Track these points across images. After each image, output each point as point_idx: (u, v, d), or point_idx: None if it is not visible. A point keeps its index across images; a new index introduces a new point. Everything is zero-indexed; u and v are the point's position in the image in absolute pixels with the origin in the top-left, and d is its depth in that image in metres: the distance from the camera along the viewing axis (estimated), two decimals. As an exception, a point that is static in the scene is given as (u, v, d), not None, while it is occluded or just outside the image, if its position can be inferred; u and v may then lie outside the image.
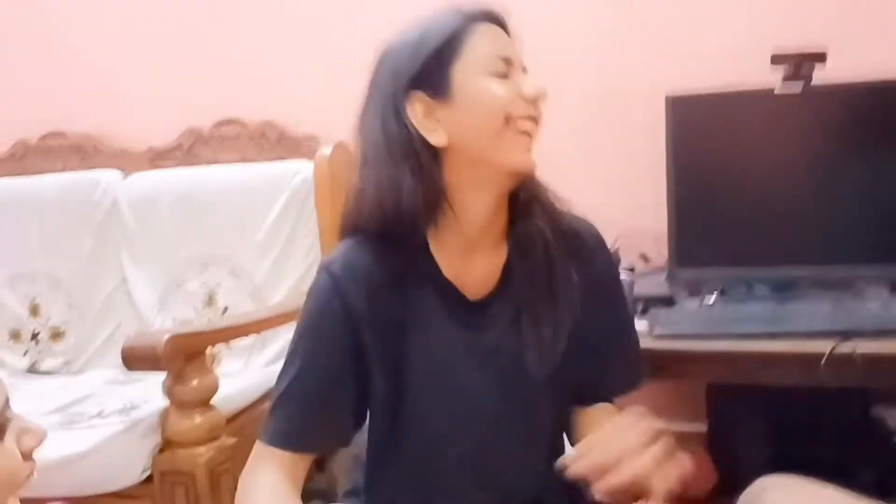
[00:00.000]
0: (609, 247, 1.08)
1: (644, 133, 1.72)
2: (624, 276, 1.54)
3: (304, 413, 0.94)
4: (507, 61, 0.91)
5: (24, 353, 2.10)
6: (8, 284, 2.12)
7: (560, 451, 1.07)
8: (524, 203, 0.97)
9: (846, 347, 1.31)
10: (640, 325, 1.54)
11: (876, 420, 1.62)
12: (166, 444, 1.41)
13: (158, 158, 2.12)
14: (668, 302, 1.63)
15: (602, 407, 1.06)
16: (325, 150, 1.92)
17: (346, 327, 0.93)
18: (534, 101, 0.91)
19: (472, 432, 0.98)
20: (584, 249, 1.02)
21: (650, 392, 2.02)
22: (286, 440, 0.94)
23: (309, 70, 2.11)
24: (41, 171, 2.17)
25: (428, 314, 0.96)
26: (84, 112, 2.24)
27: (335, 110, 1.99)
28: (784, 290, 1.58)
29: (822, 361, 1.30)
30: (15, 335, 2.12)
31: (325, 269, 0.96)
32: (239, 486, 0.94)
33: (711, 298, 1.59)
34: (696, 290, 1.63)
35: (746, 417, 1.71)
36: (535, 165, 0.94)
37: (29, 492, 1.34)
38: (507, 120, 0.89)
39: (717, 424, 1.79)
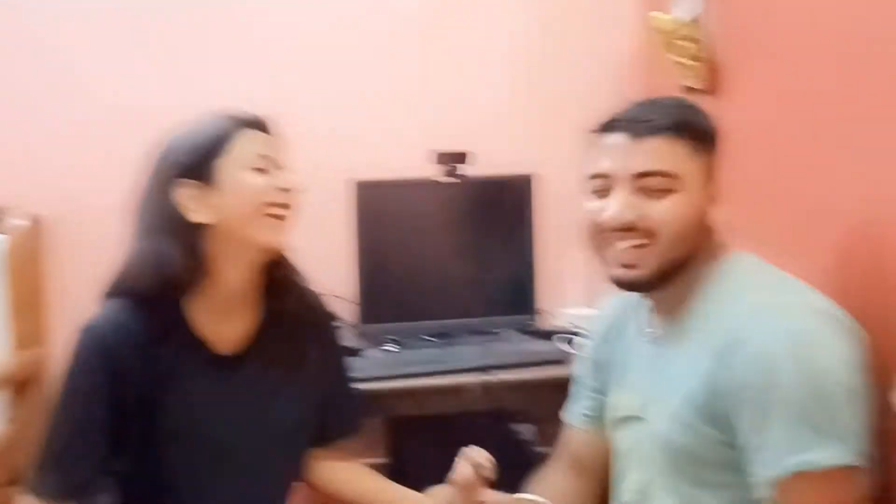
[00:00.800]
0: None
1: (337, 212, 2.02)
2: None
3: (80, 467, 1.05)
4: (266, 159, 1.12)
5: None
6: None
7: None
8: (278, 277, 1.19)
9: (490, 378, 1.71)
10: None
11: (514, 433, 2.06)
12: None
13: None
14: (355, 352, 1.93)
15: (339, 450, 1.31)
16: (20, 223, 1.90)
17: (110, 383, 1.06)
18: (286, 192, 1.13)
19: (227, 476, 1.15)
20: (322, 320, 1.29)
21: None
22: (66, 494, 1.04)
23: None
24: None
25: (183, 369, 1.12)
26: None
27: (26, 183, 2.01)
28: (445, 337, 1.97)
29: (474, 391, 1.69)
30: None
31: (90, 329, 1.08)
32: None
33: (391, 348, 1.93)
34: (378, 342, 1.95)
35: (418, 444, 2.05)
36: (285, 245, 1.16)
37: None
38: (262, 206, 1.10)
39: (395, 454, 2.10)
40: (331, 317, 1.34)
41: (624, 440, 1.15)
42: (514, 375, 1.73)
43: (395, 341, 1.95)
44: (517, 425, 2.06)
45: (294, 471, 1.27)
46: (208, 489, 1.14)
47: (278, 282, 1.20)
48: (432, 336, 1.98)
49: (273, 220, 1.12)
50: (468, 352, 1.86)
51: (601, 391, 1.23)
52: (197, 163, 1.09)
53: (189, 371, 1.12)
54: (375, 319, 1.99)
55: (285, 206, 1.13)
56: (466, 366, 1.75)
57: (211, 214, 1.08)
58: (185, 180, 1.08)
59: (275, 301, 1.20)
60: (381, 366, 1.80)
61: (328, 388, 1.28)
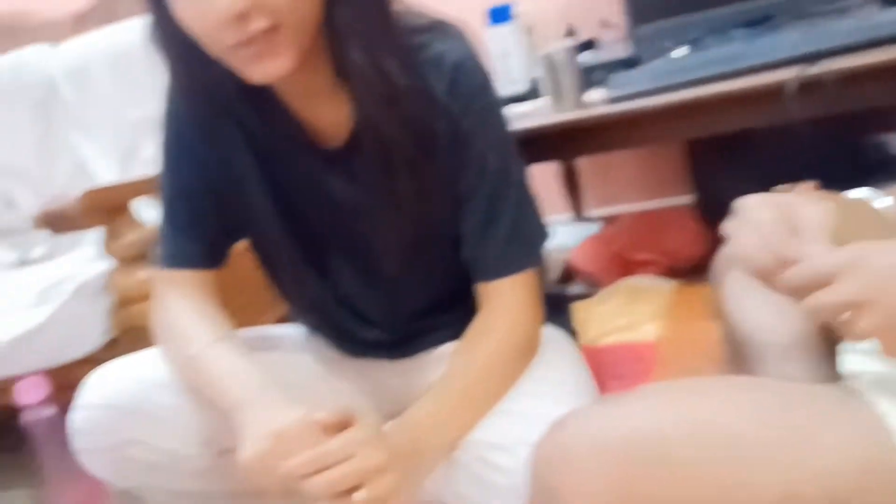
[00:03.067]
0: (484, 71, 0.83)
1: None
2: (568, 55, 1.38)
3: (187, 229, 0.91)
4: None
5: (11, 247, 2.09)
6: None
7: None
8: (341, 35, 0.77)
9: (814, 70, 1.15)
10: (599, 93, 1.40)
11: (873, 147, 1.46)
12: (122, 303, 1.38)
13: (81, 23, 1.98)
14: (631, 64, 1.48)
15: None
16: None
17: (203, 147, 0.89)
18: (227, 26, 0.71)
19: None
20: (441, 79, 0.81)
21: (630, 172, 1.92)
22: (181, 259, 0.92)
23: None
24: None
25: (281, 158, 0.88)
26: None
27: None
28: (758, 25, 1.39)
29: (786, 91, 1.15)
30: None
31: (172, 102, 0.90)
32: (155, 319, 0.91)
33: (682, 52, 1.43)
34: (663, 48, 1.46)
35: (733, 178, 1.57)
36: (274, 72, 0.75)
37: (2, 371, 1.35)
38: (216, 42, 0.73)
39: (704, 192, 1.67)
40: (456, 67, 0.82)
41: None
42: (857, 62, 1.14)
43: (686, 43, 1.43)
44: (876, 136, 1.44)
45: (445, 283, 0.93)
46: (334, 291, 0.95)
47: (343, 39, 0.77)
48: (741, 27, 1.41)
49: (241, 55, 0.74)
50: (784, 39, 1.27)
51: None
52: None
53: (290, 161, 0.88)
54: (653, 16, 1.48)
55: (250, 39, 0.72)
56: (775, 58, 1.20)
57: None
58: None
59: (349, 70, 0.79)
60: (653, 76, 1.33)
61: (465, 189, 0.85)
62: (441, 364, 0.89)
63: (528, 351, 0.86)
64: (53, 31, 2.01)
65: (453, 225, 0.86)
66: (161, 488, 0.90)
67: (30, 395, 1.14)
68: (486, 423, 0.78)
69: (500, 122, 0.85)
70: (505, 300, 0.85)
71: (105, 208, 1.29)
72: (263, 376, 0.80)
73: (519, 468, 0.71)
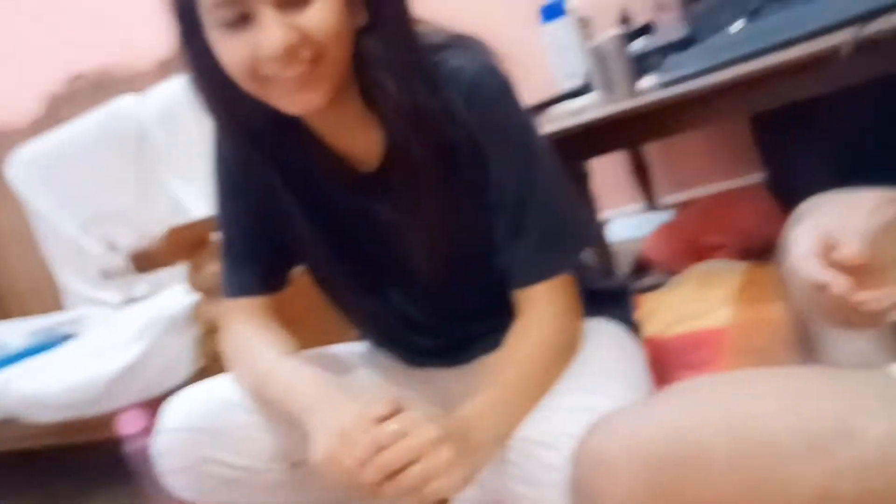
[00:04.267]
0: (501, 81, 0.85)
1: None
2: (609, 42, 1.36)
3: (244, 260, 0.98)
4: (235, 5, 0.75)
5: (117, 288, 2.24)
6: (83, 231, 2.24)
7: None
8: (371, 64, 0.80)
9: (871, 30, 1.09)
10: (652, 79, 1.36)
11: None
12: (208, 333, 1.46)
13: (165, 70, 2.10)
14: (687, 44, 1.43)
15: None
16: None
17: (248, 181, 0.94)
18: (278, 59, 0.75)
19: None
20: (459, 94, 0.83)
21: (699, 155, 1.85)
22: (242, 288, 0.98)
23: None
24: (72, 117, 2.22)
25: (320, 188, 0.92)
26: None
27: None
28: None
29: (842, 53, 1.09)
30: (105, 274, 2.26)
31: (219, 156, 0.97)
32: (225, 345, 0.98)
33: (738, 25, 1.38)
34: (719, 23, 1.41)
35: (801, 151, 1.50)
36: (313, 103, 0.79)
37: (105, 405, 1.44)
38: (257, 78, 0.78)
39: (773, 168, 1.59)
40: (479, 82, 0.83)
41: None
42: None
43: (741, 14, 1.38)
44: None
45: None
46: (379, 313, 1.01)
47: (368, 65, 0.81)
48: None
49: (279, 86, 0.78)
50: (837, 1, 1.21)
51: None
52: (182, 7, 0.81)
53: (328, 191, 0.92)
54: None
55: (293, 70, 0.76)
56: (826, 23, 1.15)
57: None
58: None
59: (375, 94, 0.82)
60: (707, 55, 1.28)
61: (497, 197, 0.86)
62: None
63: (566, 353, 0.86)
64: (140, 81, 2.15)
65: (487, 235, 0.88)
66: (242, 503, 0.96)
67: (131, 426, 1.24)
68: (529, 420, 0.79)
69: (521, 131, 0.86)
70: (540, 306, 0.86)
71: (188, 244, 1.37)
72: (327, 381, 0.84)
73: (566, 464, 0.71)
